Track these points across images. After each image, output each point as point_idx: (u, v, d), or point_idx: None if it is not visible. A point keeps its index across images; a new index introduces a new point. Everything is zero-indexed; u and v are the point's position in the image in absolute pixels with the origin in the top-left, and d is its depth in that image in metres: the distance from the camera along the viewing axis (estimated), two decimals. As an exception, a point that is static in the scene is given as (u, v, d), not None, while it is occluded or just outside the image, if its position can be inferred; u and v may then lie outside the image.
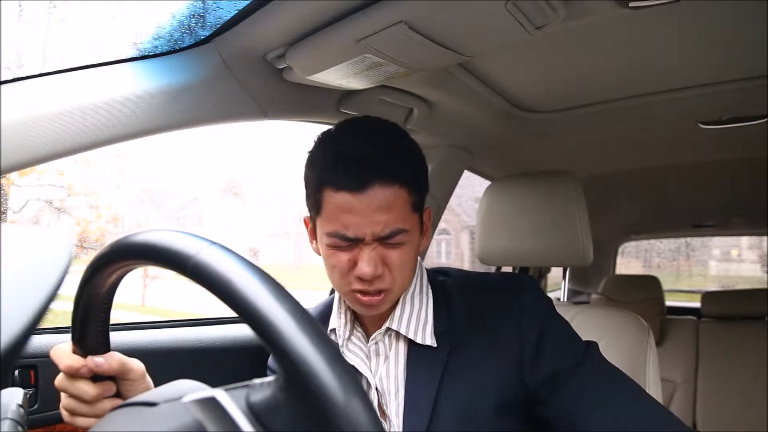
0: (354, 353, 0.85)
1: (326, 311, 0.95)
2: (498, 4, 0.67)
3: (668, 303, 2.77)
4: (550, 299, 0.86)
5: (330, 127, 0.82)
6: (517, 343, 0.78)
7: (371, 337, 0.84)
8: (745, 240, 4.53)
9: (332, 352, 0.34)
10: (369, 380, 0.82)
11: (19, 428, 0.47)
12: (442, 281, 0.90)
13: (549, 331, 0.79)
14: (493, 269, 2.18)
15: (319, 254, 0.81)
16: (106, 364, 0.61)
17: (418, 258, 0.88)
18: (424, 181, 0.81)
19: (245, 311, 0.36)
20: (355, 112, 1.10)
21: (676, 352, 2.48)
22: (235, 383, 0.40)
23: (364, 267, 0.74)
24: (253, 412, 0.37)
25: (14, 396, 0.51)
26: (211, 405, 0.37)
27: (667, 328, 2.59)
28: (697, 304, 2.75)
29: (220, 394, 0.37)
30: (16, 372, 0.87)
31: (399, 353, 0.83)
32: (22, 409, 0.50)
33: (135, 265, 0.53)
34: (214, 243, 0.40)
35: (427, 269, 0.93)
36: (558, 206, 1.17)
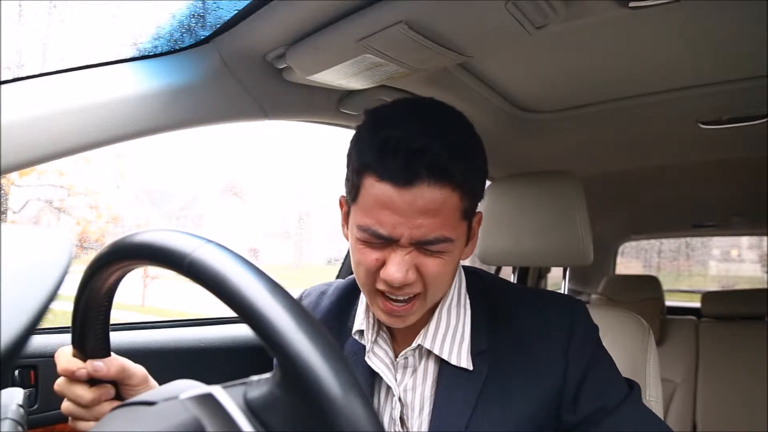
0: (380, 359, 0.78)
1: (347, 296, 0.88)
2: (498, 4, 0.67)
3: (668, 303, 2.77)
4: (597, 329, 0.78)
5: (386, 100, 0.73)
6: (560, 378, 0.71)
7: (400, 354, 0.76)
8: (745, 240, 4.53)
9: (328, 346, 0.34)
10: (393, 390, 0.76)
11: (19, 428, 0.47)
12: (483, 290, 0.81)
13: (594, 368, 0.72)
14: (493, 269, 2.18)
15: (348, 240, 0.74)
16: (104, 368, 0.60)
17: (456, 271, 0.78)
18: (481, 186, 0.72)
19: (241, 307, 0.36)
20: (355, 112, 1.10)
21: (676, 352, 2.48)
22: (233, 381, 0.40)
23: (393, 272, 0.65)
24: (251, 409, 0.37)
25: (14, 396, 0.51)
26: (209, 402, 0.37)
27: (667, 328, 2.59)
28: (697, 304, 2.76)
29: (217, 391, 0.37)
30: (16, 372, 0.87)
31: (429, 369, 0.76)
32: (22, 409, 0.50)
33: (133, 266, 0.53)
34: (209, 241, 0.40)
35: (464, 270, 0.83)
36: (558, 206, 1.17)
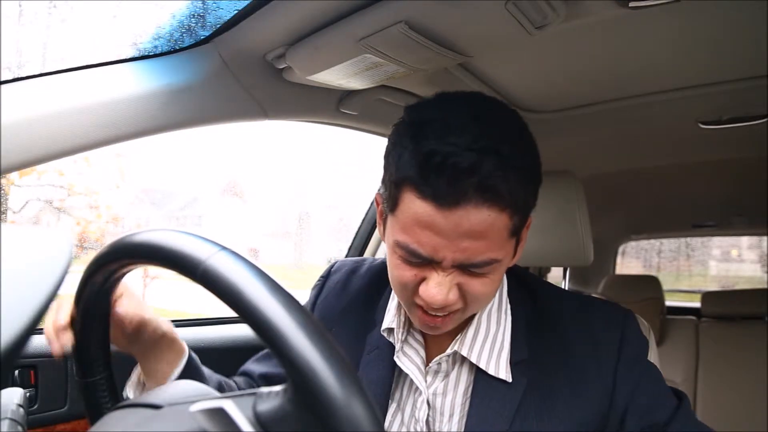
0: (410, 359, 0.74)
1: (378, 283, 0.83)
2: (498, 4, 0.66)
3: (668, 303, 2.77)
4: (647, 342, 0.73)
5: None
6: (607, 396, 0.66)
7: (434, 359, 0.72)
8: (745, 240, 4.53)
9: (343, 365, 0.34)
10: (423, 392, 0.72)
11: (19, 428, 0.47)
12: (526, 294, 0.76)
13: (642, 386, 0.67)
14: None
15: (383, 238, 0.69)
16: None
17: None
18: (534, 197, 0.63)
19: (255, 321, 0.35)
20: (355, 112, 1.10)
21: (676, 352, 2.48)
22: (242, 391, 0.40)
23: (435, 293, 0.61)
24: (260, 422, 0.37)
25: (14, 396, 0.51)
26: (218, 414, 0.36)
27: (667, 328, 2.59)
28: (697, 304, 2.76)
29: (228, 404, 0.36)
30: (16, 372, 0.87)
31: (462, 376, 0.72)
32: (22, 409, 0.50)
33: (139, 266, 0.52)
34: (224, 248, 0.39)
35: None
36: (558, 206, 1.17)
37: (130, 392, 0.74)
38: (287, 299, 0.36)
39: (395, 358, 0.75)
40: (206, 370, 0.79)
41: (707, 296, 2.66)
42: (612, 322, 0.71)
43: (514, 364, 0.69)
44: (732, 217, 2.66)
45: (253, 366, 0.90)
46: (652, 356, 1.05)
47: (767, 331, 2.29)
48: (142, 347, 0.70)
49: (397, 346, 0.75)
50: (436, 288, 0.61)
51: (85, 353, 0.60)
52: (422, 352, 0.75)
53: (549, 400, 0.67)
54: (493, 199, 0.57)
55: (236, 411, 0.36)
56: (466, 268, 0.61)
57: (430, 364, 0.73)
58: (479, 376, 0.70)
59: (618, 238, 3.26)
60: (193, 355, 0.76)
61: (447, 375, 0.73)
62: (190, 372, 0.74)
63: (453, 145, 0.56)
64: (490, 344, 0.71)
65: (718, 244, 4.50)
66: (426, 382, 0.73)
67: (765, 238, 3.44)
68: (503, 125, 0.61)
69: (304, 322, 0.35)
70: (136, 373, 0.76)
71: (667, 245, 3.88)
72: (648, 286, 2.71)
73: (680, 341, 2.52)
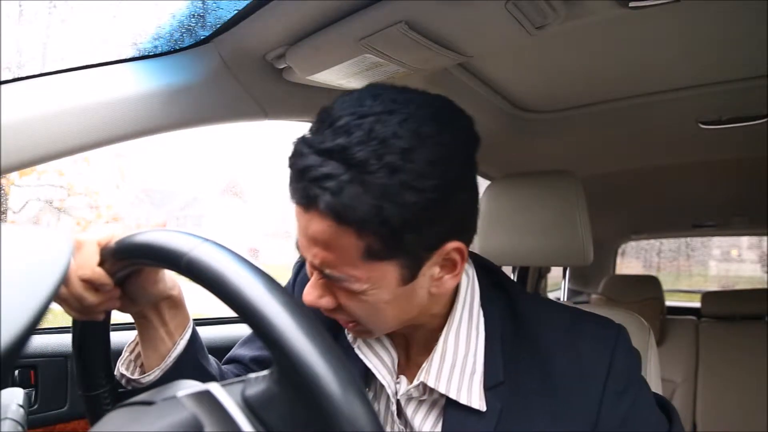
0: (376, 354, 0.69)
1: None
2: (498, 4, 0.66)
3: (668, 303, 2.77)
4: (639, 362, 0.67)
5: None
6: (591, 425, 0.60)
7: (402, 393, 0.66)
8: (745, 240, 4.53)
9: (327, 344, 0.34)
10: (387, 389, 0.67)
11: (19, 428, 0.47)
12: (503, 304, 0.68)
13: (632, 418, 0.60)
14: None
15: None
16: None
17: (467, 280, 0.67)
18: (407, 225, 0.51)
19: (239, 306, 0.36)
20: (355, 112, 1.09)
21: (676, 352, 2.48)
22: (232, 379, 0.41)
23: (305, 294, 0.59)
24: (249, 406, 0.37)
25: (14, 396, 0.51)
26: (207, 399, 0.37)
27: (667, 328, 2.59)
28: (697, 304, 2.76)
29: (215, 388, 0.37)
30: (16, 372, 0.87)
31: (430, 401, 0.66)
32: (22, 409, 0.50)
33: (132, 266, 0.53)
34: (207, 240, 0.41)
35: (479, 272, 0.70)
36: (558, 206, 1.17)
37: (122, 369, 0.68)
38: (270, 283, 0.37)
39: (355, 349, 0.69)
40: (211, 358, 0.74)
41: (707, 296, 2.66)
42: (601, 343, 0.64)
43: (488, 388, 0.62)
44: (732, 217, 2.66)
45: (243, 351, 0.84)
46: (652, 357, 1.05)
47: (767, 331, 2.29)
48: (140, 305, 0.64)
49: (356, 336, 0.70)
50: (308, 288, 0.59)
51: (87, 364, 0.60)
52: (387, 342, 0.70)
53: (526, 426, 0.61)
54: (328, 213, 0.50)
55: (223, 393, 0.37)
56: (327, 277, 0.57)
57: (399, 397, 0.67)
58: (449, 403, 0.63)
59: (618, 238, 3.26)
60: (198, 332, 0.71)
61: (419, 398, 0.68)
62: (194, 348, 0.68)
63: (306, 144, 0.52)
64: (461, 369, 0.63)
65: (718, 244, 4.50)
66: (396, 378, 0.68)
67: (765, 238, 3.44)
68: (389, 129, 0.50)
69: (287, 304, 0.36)
70: (130, 347, 0.71)
71: (667, 245, 3.89)
72: (648, 286, 2.70)
73: (680, 341, 2.52)
